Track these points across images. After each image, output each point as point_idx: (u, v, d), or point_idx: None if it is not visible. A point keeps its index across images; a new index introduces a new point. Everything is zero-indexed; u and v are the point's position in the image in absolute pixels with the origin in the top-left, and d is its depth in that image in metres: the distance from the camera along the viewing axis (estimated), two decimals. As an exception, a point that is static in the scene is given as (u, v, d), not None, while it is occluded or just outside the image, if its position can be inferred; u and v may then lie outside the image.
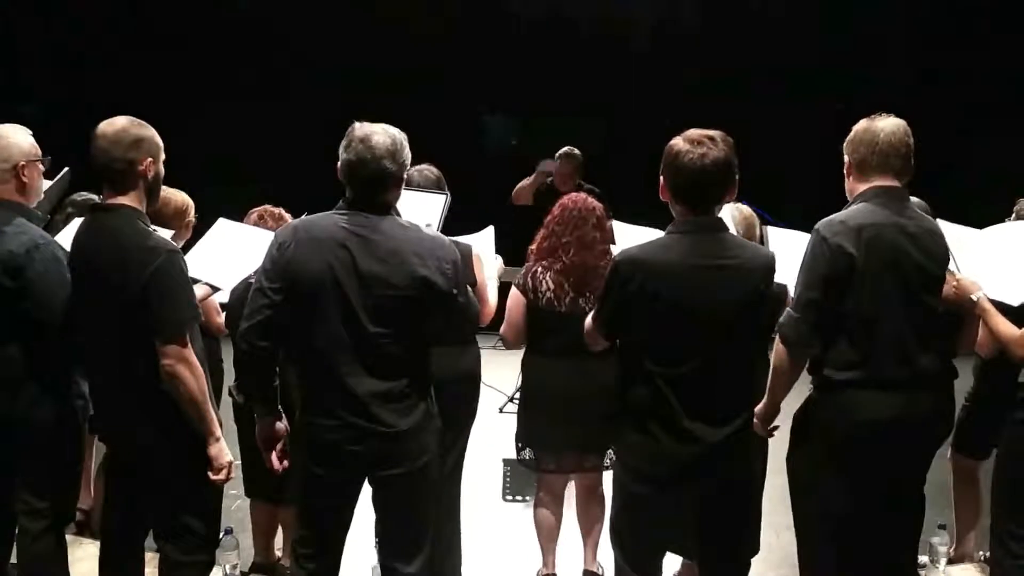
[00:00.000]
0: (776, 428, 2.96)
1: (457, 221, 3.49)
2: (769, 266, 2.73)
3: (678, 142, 2.67)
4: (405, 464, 2.72)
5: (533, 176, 6.58)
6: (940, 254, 2.83)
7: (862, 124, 2.86)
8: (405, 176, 2.75)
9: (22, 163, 2.97)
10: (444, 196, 3.42)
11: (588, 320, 2.93)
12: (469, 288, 2.94)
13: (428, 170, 3.56)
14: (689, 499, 2.77)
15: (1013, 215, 3.59)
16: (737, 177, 2.71)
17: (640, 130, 7.34)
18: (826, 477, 2.83)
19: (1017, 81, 7.42)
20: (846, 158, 2.90)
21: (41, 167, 3.07)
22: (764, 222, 3.51)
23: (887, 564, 2.97)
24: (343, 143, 2.68)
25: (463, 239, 3.38)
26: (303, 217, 2.87)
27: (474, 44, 8.16)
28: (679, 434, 2.67)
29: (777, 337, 2.81)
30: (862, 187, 2.83)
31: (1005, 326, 2.90)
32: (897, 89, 7.14)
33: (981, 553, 3.80)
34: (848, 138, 2.89)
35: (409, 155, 2.73)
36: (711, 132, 2.67)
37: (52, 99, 8.18)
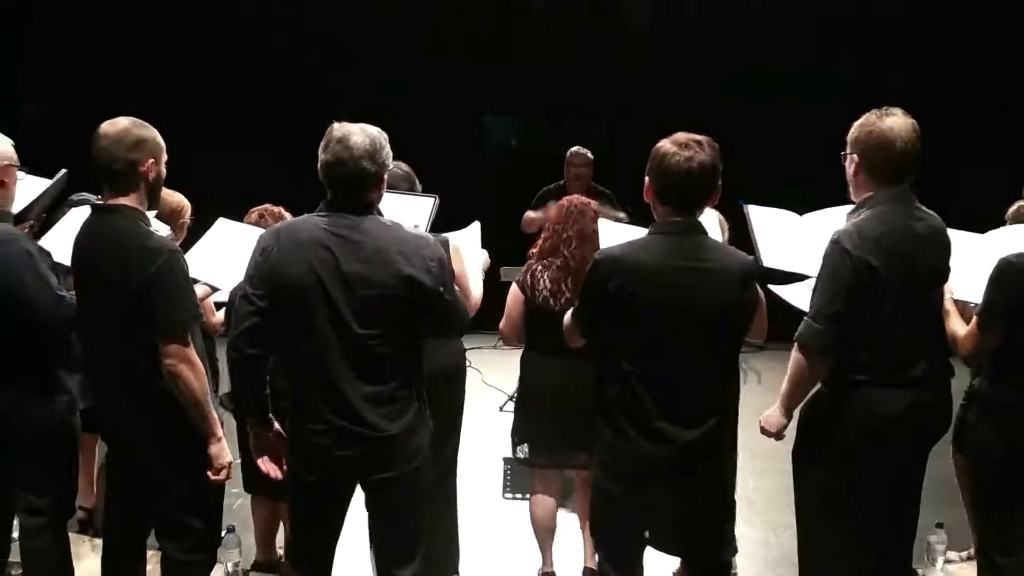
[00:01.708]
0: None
1: (457, 220, 3.50)
2: (748, 270, 2.73)
3: (665, 144, 2.68)
4: (397, 468, 2.70)
5: (541, 212, 6.07)
6: (947, 252, 2.86)
7: (873, 125, 2.79)
8: (386, 175, 2.71)
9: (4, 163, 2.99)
10: (432, 199, 3.39)
11: (567, 316, 2.93)
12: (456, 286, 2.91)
13: (397, 166, 3.40)
14: (664, 498, 2.76)
15: (1008, 219, 3.60)
16: (720, 183, 2.71)
17: (640, 130, 7.33)
18: (832, 474, 2.85)
19: (1016, 81, 7.42)
20: (855, 157, 2.84)
21: (18, 175, 3.07)
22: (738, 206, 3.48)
23: (888, 561, 2.98)
24: (322, 143, 2.64)
25: (448, 235, 3.37)
26: (285, 220, 2.84)
27: (474, 44, 8.15)
28: (652, 433, 2.66)
29: (795, 346, 2.80)
30: (871, 190, 2.82)
31: (957, 325, 2.95)
32: (897, 89, 7.13)
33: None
34: (854, 135, 2.84)
35: (390, 154, 2.68)
36: (697, 136, 2.68)
37: (52, 99, 8.19)
